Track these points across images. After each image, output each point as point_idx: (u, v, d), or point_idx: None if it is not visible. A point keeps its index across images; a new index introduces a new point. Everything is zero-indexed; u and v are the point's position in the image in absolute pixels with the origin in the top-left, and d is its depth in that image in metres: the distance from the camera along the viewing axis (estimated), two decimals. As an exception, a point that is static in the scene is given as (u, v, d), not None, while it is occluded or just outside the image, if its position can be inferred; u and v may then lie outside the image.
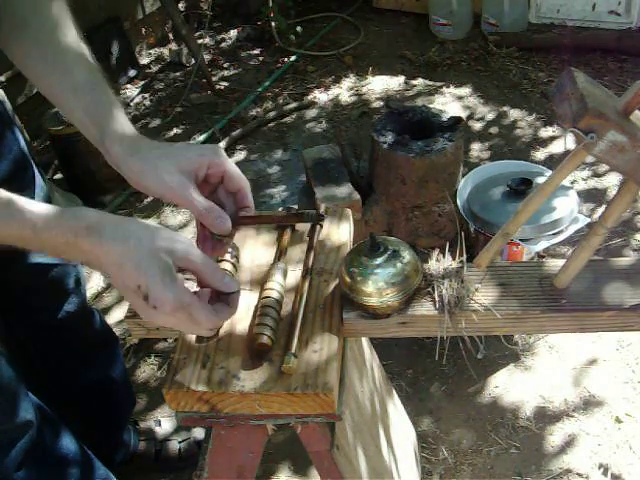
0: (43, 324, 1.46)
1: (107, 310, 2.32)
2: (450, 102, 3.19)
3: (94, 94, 0.92)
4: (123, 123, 0.92)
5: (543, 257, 2.09)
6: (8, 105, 2.58)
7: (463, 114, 3.06)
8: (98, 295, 2.39)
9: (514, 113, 3.07)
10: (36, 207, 0.79)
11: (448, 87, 3.29)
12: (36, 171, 1.33)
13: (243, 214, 0.93)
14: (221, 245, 0.93)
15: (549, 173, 1.83)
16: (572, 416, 1.86)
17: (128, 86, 3.54)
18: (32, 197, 1.31)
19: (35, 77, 0.97)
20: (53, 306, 1.47)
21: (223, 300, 0.85)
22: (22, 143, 1.28)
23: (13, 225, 0.77)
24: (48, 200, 1.38)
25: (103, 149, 0.91)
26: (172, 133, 3.21)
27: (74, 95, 0.93)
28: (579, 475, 1.73)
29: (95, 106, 0.92)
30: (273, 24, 3.68)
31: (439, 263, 1.03)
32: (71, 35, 0.96)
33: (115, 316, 2.28)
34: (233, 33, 3.95)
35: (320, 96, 3.33)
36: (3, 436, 1.24)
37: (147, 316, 0.80)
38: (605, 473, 1.72)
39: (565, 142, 0.92)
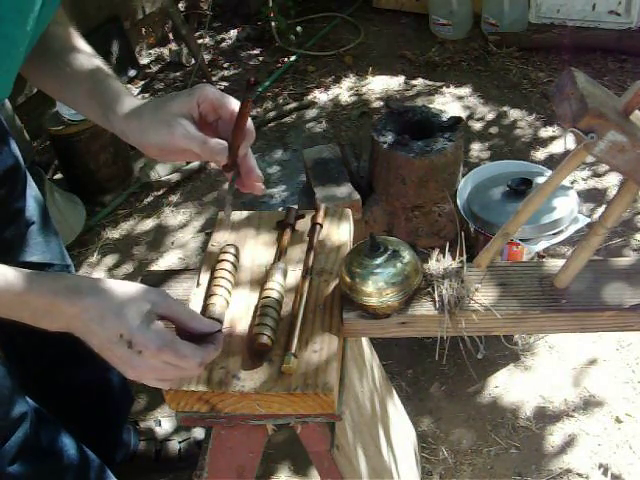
0: None
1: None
2: (450, 102, 3.18)
3: (94, 77, 0.95)
4: (122, 95, 0.93)
5: (543, 257, 2.09)
6: (8, 105, 2.58)
7: (463, 114, 3.06)
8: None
9: (514, 113, 3.07)
10: (17, 271, 0.79)
11: (448, 87, 3.29)
12: (28, 174, 1.33)
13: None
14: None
15: (549, 173, 1.83)
16: (572, 416, 1.86)
17: (128, 86, 3.54)
18: (24, 199, 1.32)
19: (42, 82, 1.00)
20: None
21: (209, 341, 0.85)
22: (16, 152, 1.29)
23: None
24: (42, 203, 1.38)
25: (109, 125, 0.93)
26: (172, 133, 3.21)
27: (76, 84, 0.95)
28: (579, 475, 1.73)
29: (95, 86, 0.94)
30: (273, 24, 3.68)
31: (439, 263, 1.03)
32: (70, 34, 0.99)
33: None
34: (233, 33, 3.94)
35: (320, 96, 3.33)
36: None
37: (133, 366, 0.80)
38: (605, 473, 1.72)
39: (565, 142, 0.92)
